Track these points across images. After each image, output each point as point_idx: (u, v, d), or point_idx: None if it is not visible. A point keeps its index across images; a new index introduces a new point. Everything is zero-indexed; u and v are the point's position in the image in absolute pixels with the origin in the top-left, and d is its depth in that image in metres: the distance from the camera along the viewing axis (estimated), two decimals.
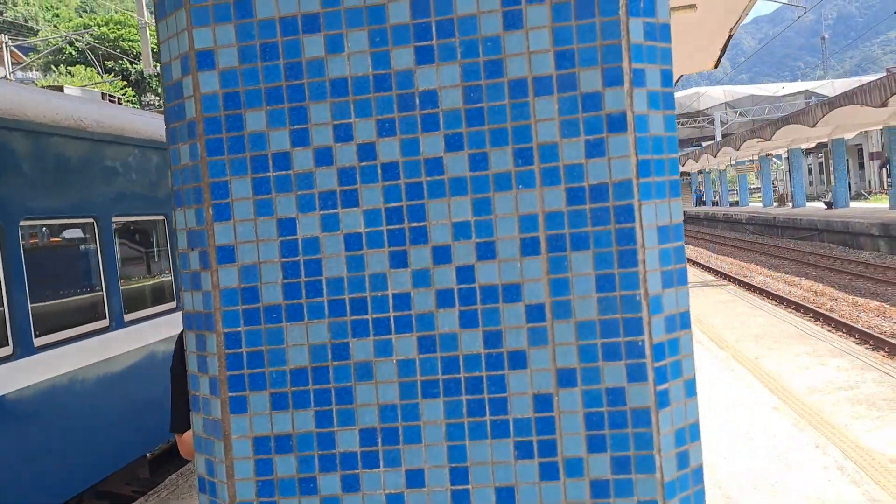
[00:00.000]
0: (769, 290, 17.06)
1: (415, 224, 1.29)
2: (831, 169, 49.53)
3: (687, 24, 7.25)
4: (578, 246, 1.27)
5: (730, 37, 8.17)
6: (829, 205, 36.26)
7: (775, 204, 47.15)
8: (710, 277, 16.55)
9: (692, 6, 6.73)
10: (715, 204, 61.90)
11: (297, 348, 1.31)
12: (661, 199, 1.30)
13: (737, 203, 56.61)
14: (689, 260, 24.86)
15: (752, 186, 60.82)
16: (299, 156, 1.31)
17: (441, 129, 1.28)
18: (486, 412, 1.30)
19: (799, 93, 64.80)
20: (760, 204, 51.02)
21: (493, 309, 1.29)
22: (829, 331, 11.67)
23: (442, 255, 1.30)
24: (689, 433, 1.33)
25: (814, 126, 29.08)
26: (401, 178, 1.29)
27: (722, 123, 59.43)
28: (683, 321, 1.34)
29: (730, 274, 20.10)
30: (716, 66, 9.49)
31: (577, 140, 1.26)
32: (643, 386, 1.27)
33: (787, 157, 46.45)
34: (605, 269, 1.27)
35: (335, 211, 1.30)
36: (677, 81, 11.22)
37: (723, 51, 8.69)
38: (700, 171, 64.01)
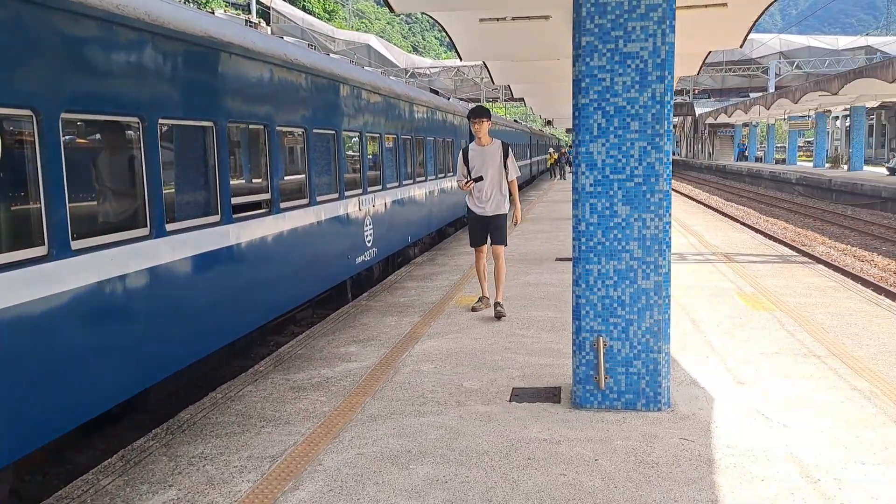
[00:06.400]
0: (844, 267, 14.57)
1: None
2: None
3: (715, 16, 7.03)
4: None
5: (757, 19, 7.81)
6: (893, 171, 33.27)
7: (827, 165, 43.88)
8: (785, 250, 13.43)
9: (723, 4, 6.59)
10: (759, 160, 58.45)
11: None
12: None
13: (783, 161, 53.14)
14: (737, 221, 21.88)
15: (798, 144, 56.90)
16: None
17: None
18: None
19: (860, 48, 60.28)
20: (809, 163, 47.65)
21: None
22: None
23: None
24: None
25: (893, 82, 26.02)
26: None
27: (776, 75, 55.42)
28: None
29: (790, 243, 17.56)
30: (741, 46, 9.25)
31: None
32: None
33: (849, 115, 43.04)
34: None
35: None
36: (707, 57, 10.99)
37: (749, 31, 8.35)
38: (745, 124, 60.36)
